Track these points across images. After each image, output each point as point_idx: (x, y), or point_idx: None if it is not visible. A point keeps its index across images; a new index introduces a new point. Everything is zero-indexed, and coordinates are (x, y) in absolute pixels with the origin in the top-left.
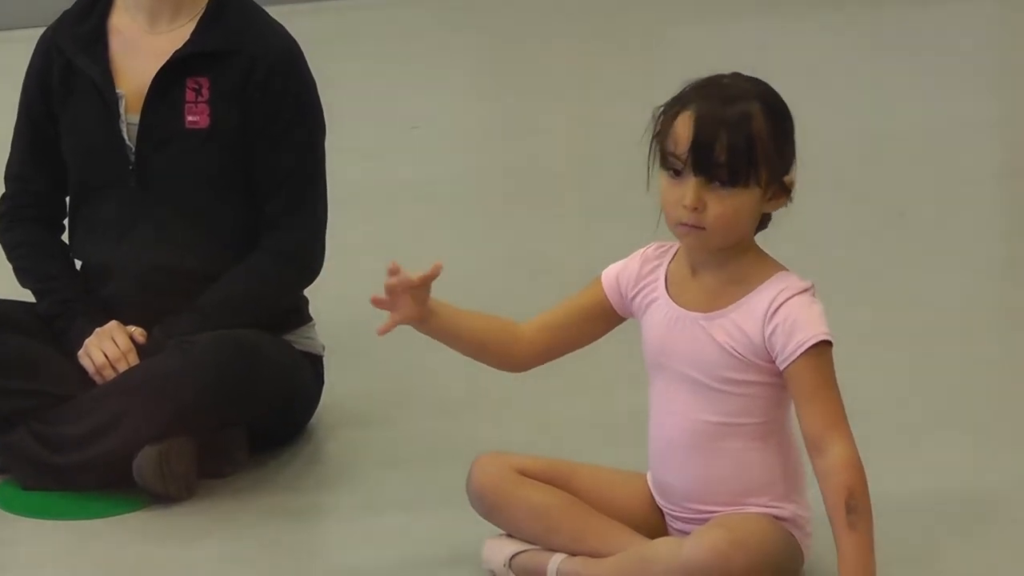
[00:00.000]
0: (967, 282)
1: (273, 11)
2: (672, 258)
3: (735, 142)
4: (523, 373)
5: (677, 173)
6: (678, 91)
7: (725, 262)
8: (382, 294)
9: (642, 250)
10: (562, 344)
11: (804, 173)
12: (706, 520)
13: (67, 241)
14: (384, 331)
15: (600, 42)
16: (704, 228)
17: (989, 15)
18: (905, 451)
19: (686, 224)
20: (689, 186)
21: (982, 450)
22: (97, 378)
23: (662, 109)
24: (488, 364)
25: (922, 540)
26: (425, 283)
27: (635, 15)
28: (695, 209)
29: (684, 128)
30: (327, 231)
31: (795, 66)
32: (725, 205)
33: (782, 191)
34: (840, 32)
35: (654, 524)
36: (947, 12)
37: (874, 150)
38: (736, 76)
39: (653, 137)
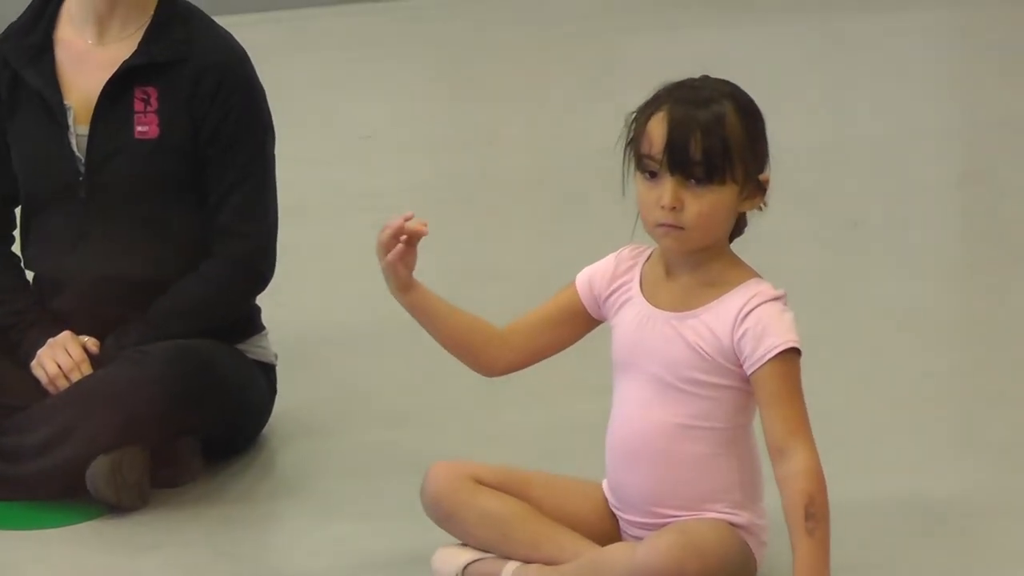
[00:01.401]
0: (921, 290)
1: (223, 20)
2: (647, 259)
3: (710, 139)
4: (478, 382)
5: (653, 175)
6: (651, 95)
7: (700, 264)
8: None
9: (617, 252)
10: (538, 348)
11: None
12: (662, 525)
13: (18, 252)
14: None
15: (554, 51)
16: (683, 228)
17: (943, 24)
18: (860, 457)
19: (665, 224)
20: (666, 186)
21: (938, 456)
22: (50, 388)
23: (635, 113)
24: (465, 361)
25: (877, 546)
26: (406, 237)
27: (590, 24)
28: (673, 208)
29: (658, 129)
30: (279, 239)
31: (749, 75)
32: (703, 203)
33: (758, 190)
34: (794, 42)
35: (608, 532)
36: (901, 21)
37: (827, 159)
38: (706, 78)
39: (627, 142)
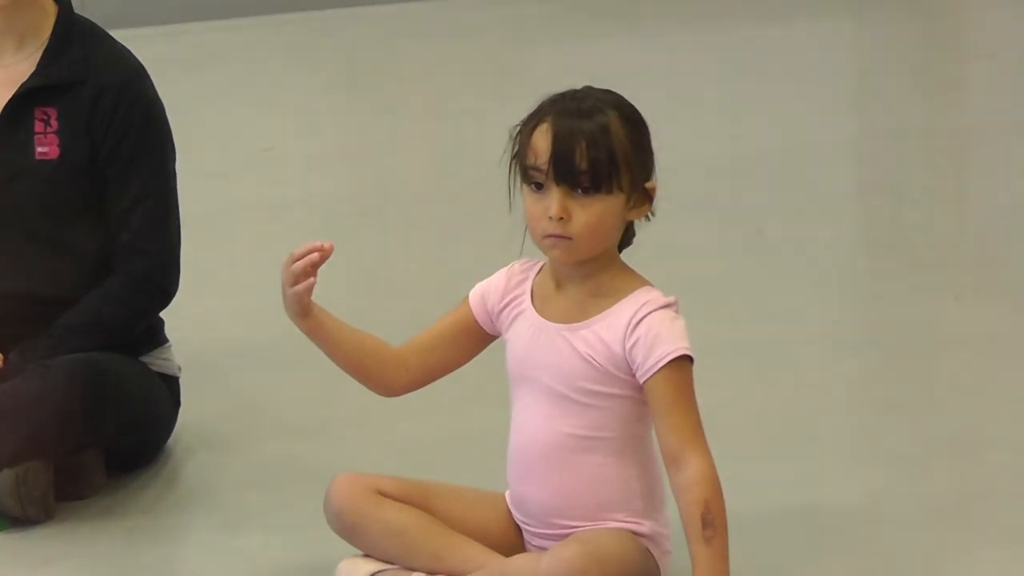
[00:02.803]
0: (824, 299)
1: (121, 34)
2: (538, 272)
3: (595, 148)
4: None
5: (540, 186)
6: (534, 107)
7: (589, 275)
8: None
9: (508, 266)
10: (434, 366)
11: (662, 191)
12: (565, 536)
13: None
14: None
15: (454, 64)
16: (571, 238)
17: (845, 33)
18: (761, 467)
19: (552, 235)
20: (553, 196)
21: (838, 465)
22: None
23: (519, 126)
24: (364, 383)
25: (778, 555)
26: (316, 264)
27: (489, 36)
28: (561, 219)
29: (543, 140)
30: (182, 253)
31: (652, 85)
32: (590, 212)
33: (645, 198)
34: (696, 51)
35: (512, 542)
36: (803, 31)
37: (731, 168)
38: (589, 88)
39: (512, 156)
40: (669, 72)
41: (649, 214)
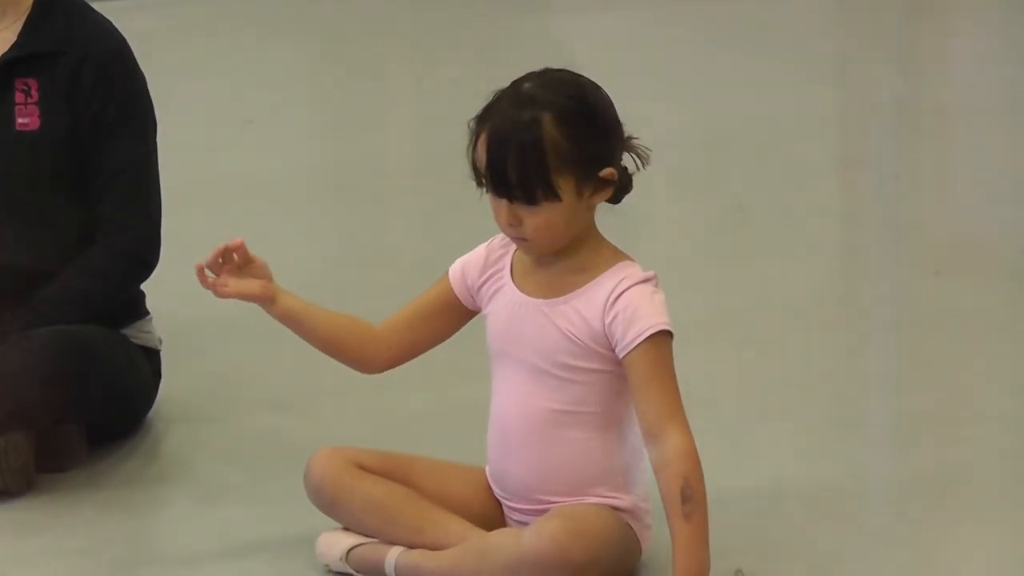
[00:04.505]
0: (805, 273)
1: (103, 7)
2: (517, 248)
3: (524, 164)
4: None
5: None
6: (488, 100)
7: (567, 252)
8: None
9: (488, 241)
10: (415, 342)
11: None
12: (545, 511)
13: None
14: (221, 294)
15: (438, 34)
16: (527, 240)
17: (827, 7)
18: (744, 442)
19: (511, 236)
20: (501, 204)
21: (820, 441)
22: None
23: (474, 124)
24: (343, 361)
25: (758, 530)
26: (227, 256)
27: (474, 8)
28: (511, 225)
29: (482, 149)
30: (162, 226)
31: (635, 59)
32: (538, 218)
33: (604, 185)
34: (678, 25)
35: (492, 517)
36: (784, 5)
37: (712, 143)
38: (540, 78)
39: (472, 153)
40: (651, 44)
41: (636, 167)
